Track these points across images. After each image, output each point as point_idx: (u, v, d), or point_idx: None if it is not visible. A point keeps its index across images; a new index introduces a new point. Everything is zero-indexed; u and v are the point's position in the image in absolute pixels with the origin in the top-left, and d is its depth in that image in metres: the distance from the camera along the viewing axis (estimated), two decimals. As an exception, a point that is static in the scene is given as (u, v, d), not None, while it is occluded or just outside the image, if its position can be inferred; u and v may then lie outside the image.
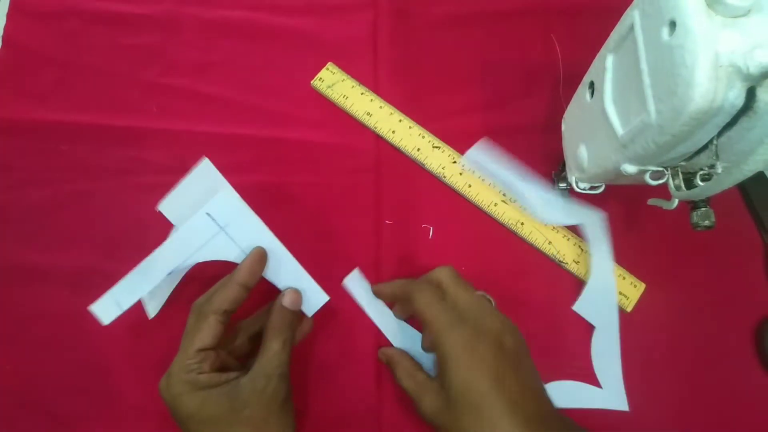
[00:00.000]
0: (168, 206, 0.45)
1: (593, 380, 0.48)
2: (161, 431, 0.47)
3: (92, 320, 0.49)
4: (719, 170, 0.33)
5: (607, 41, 0.40)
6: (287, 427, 0.40)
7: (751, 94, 0.29)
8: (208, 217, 0.43)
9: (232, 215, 0.44)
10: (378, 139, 0.54)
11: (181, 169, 0.52)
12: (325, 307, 0.46)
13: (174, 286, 0.47)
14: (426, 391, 0.41)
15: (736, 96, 0.28)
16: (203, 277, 0.47)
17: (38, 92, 0.55)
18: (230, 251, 0.44)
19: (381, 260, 0.50)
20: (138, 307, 0.49)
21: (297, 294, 0.44)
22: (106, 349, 0.49)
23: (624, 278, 0.49)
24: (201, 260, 0.44)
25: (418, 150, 0.53)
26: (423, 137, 0.53)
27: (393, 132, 0.53)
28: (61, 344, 0.49)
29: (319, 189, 0.52)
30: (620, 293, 0.49)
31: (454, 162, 0.52)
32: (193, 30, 0.57)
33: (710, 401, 0.48)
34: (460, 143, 0.53)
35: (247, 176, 0.52)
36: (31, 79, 0.55)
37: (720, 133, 0.31)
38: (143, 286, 0.43)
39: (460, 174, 0.52)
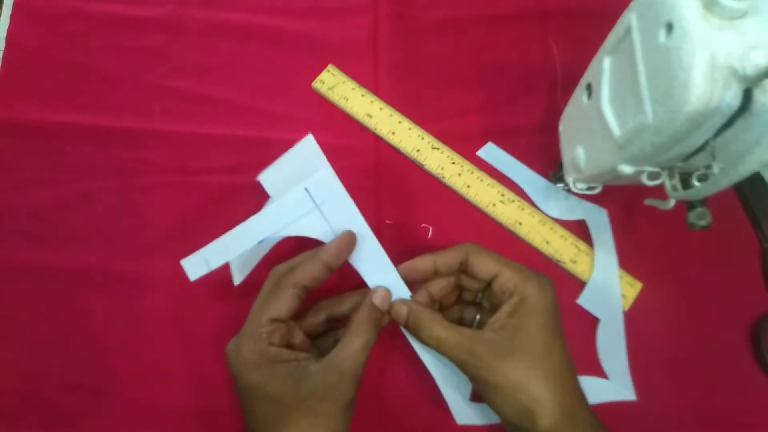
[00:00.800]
0: (267, 178, 0.46)
1: (600, 373, 0.48)
2: (162, 429, 0.47)
3: (94, 319, 0.49)
4: (716, 171, 0.33)
5: (604, 43, 0.40)
6: (344, 429, 0.39)
7: (747, 96, 0.29)
8: (306, 193, 0.43)
9: (329, 195, 0.43)
10: (378, 140, 0.54)
11: (184, 170, 0.53)
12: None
13: (262, 255, 0.46)
14: (477, 338, 0.39)
15: (732, 97, 0.28)
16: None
17: (42, 94, 0.55)
18: (322, 230, 0.43)
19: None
20: (138, 306, 0.50)
21: (389, 294, 0.43)
22: (107, 348, 0.49)
23: (621, 277, 0.50)
24: (292, 234, 0.43)
25: (418, 151, 0.53)
26: (422, 138, 0.53)
27: (393, 133, 0.54)
28: (63, 343, 0.49)
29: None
30: (618, 293, 0.49)
31: (453, 163, 0.53)
32: (195, 32, 0.57)
33: (706, 400, 0.48)
34: (459, 144, 0.53)
35: (248, 177, 0.52)
36: (34, 80, 0.55)
37: (716, 134, 0.32)
38: (234, 249, 0.43)
39: (459, 175, 0.52)
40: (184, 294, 0.50)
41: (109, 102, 0.55)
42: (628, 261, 0.50)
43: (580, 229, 0.51)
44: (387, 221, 0.51)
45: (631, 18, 0.35)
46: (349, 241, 0.42)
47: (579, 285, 0.50)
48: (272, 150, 0.53)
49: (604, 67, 0.39)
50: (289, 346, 0.40)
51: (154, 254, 0.51)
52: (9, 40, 0.56)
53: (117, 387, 0.48)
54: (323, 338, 0.44)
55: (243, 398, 0.39)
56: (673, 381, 0.48)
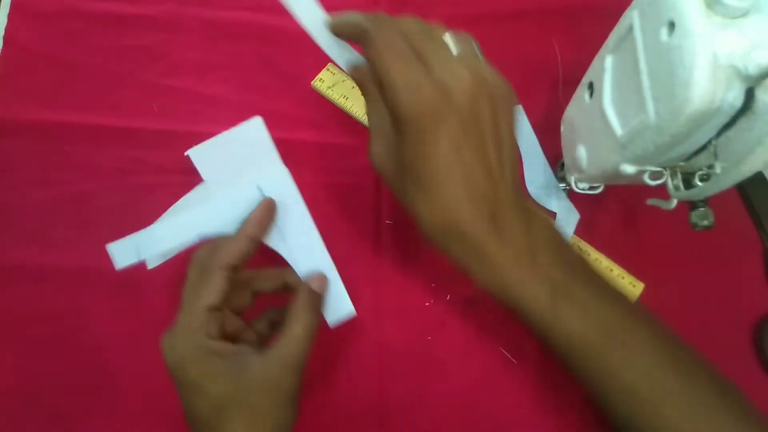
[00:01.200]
0: (199, 154, 0.42)
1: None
2: (161, 429, 0.47)
3: (94, 320, 0.49)
4: (718, 170, 0.33)
5: (606, 42, 0.40)
6: (289, 422, 0.38)
7: (749, 95, 0.29)
8: (258, 191, 0.42)
9: (281, 195, 0.42)
10: (378, 139, 0.54)
11: (183, 169, 0.52)
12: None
13: (188, 246, 0.45)
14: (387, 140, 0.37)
15: (734, 97, 0.28)
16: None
17: (40, 93, 0.55)
18: (272, 234, 0.42)
19: (381, 260, 0.50)
20: (137, 306, 0.50)
21: (326, 280, 0.42)
22: (107, 348, 0.49)
23: (623, 278, 0.50)
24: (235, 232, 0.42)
25: (418, 150, 0.53)
26: (423, 138, 0.53)
27: (393, 132, 0.53)
28: (62, 344, 0.49)
29: (319, 189, 0.52)
30: (619, 293, 0.49)
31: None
32: (194, 31, 0.57)
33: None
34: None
35: (247, 176, 0.52)
36: (32, 79, 0.55)
37: (719, 134, 0.31)
38: (170, 241, 0.42)
39: (460, 174, 0.52)
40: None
41: (107, 101, 0.55)
42: (630, 261, 0.50)
43: (581, 230, 0.51)
44: (387, 221, 0.51)
45: (633, 16, 0.35)
46: (269, 209, 0.41)
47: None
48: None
49: (605, 65, 0.39)
50: (226, 334, 0.39)
51: (153, 254, 0.51)
52: (6, 39, 0.56)
53: (116, 387, 0.48)
54: (258, 319, 0.43)
55: (182, 395, 0.38)
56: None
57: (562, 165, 0.50)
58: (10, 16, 0.57)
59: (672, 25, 0.30)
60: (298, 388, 0.38)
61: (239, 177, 0.42)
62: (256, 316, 0.44)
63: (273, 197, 0.42)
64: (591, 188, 0.45)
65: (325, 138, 0.54)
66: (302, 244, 0.43)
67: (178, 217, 0.42)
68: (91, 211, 0.52)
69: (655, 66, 0.32)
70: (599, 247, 0.50)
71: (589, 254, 0.50)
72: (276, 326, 0.43)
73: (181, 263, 0.49)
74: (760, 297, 0.50)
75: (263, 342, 0.43)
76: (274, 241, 0.43)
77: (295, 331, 0.38)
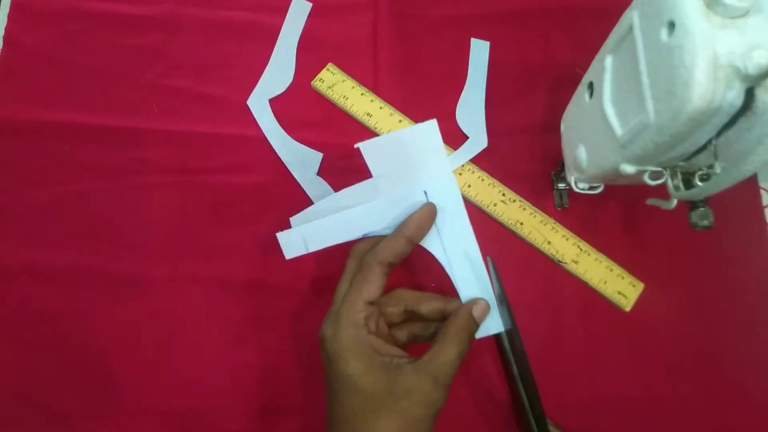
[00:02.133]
0: (369, 148, 0.42)
1: (589, 369, 0.48)
2: (161, 429, 0.47)
3: (93, 320, 0.49)
4: (718, 170, 0.33)
5: (606, 42, 0.40)
6: None
7: (749, 95, 0.29)
8: (423, 195, 0.42)
9: (446, 203, 0.42)
10: (378, 139, 0.54)
11: (183, 169, 0.52)
12: (329, 302, 0.46)
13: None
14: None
15: (734, 96, 0.28)
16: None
17: (39, 93, 0.55)
18: (429, 235, 0.42)
19: (381, 260, 0.50)
20: (136, 306, 0.50)
21: (488, 309, 0.42)
22: (106, 348, 0.49)
23: (623, 278, 0.49)
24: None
25: (418, 150, 0.53)
26: (423, 137, 0.53)
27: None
28: (62, 344, 0.49)
29: (319, 189, 0.52)
30: (619, 293, 0.49)
31: (454, 162, 0.53)
32: (193, 31, 0.57)
33: (710, 401, 0.48)
34: (459, 143, 0.53)
35: (247, 176, 0.52)
36: (32, 79, 0.55)
37: (719, 134, 0.31)
38: (336, 236, 0.43)
39: (460, 174, 0.52)
40: (183, 294, 0.50)
41: (107, 101, 0.55)
42: (630, 261, 0.50)
43: (581, 229, 0.51)
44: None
45: (632, 16, 0.35)
46: (430, 213, 0.42)
47: (579, 286, 0.50)
48: (271, 149, 0.53)
49: (605, 65, 0.39)
50: (378, 334, 0.40)
51: (153, 254, 0.51)
52: (7, 39, 0.56)
53: (115, 388, 0.48)
54: (398, 328, 0.43)
55: (334, 385, 0.38)
56: (676, 380, 0.48)
57: (562, 165, 0.50)
58: (10, 16, 0.57)
59: (672, 25, 0.30)
60: (441, 408, 0.38)
61: (407, 178, 0.42)
62: None
63: (437, 202, 0.42)
64: (591, 188, 0.45)
65: (325, 138, 0.54)
66: (460, 253, 0.43)
67: (343, 213, 0.42)
68: (91, 211, 0.52)
69: (655, 66, 0.32)
70: (599, 247, 0.50)
71: (589, 254, 0.50)
72: (416, 339, 0.43)
73: (180, 263, 0.49)
74: (761, 297, 0.50)
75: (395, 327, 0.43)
76: (434, 246, 0.43)
77: (451, 353, 0.38)
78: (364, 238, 0.43)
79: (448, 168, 0.42)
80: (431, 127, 0.41)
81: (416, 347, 0.42)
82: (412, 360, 0.38)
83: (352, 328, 0.38)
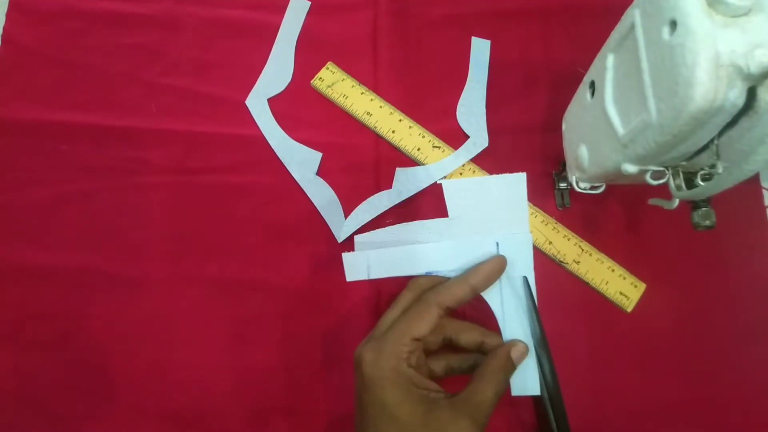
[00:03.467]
0: (453, 187, 0.42)
1: (590, 370, 0.48)
2: (161, 430, 0.47)
3: (92, 320, 0.49)
4: (720, 170, 0.33)
5: (607, 41, 0.39)
6: None
7: (751, 94, 0.28)
8: (495, 246, 0.42)
9: (515, 259, 0.42)
10: (378, 138, 0.54)
11: (181, 169, 0.52)
12: (330, 302, 0.46)
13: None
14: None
15: (736, 95, 0.28)
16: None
17: (38, 92, 0.55)
18: (491, 288, 0.42)
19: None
20: (136, 307, 0.49)
21: (526, 352, 0.42)
22: (105, 349, 0.49)
23: (624, 278, 0.49)
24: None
25: (419, 150, 0.53)
26: (423, 137, 0.53)
27: (393, 132, 0.53)
28: (61, 344, 0.49)
29: (319, 189, 0.52)
30: (621, 293, 0.49)
31: (455, 162, 0.52)
32: (192, 29, 0.57)
33: (711, 401, 0.48)
34: (460, 143, 0.53)
35: (247, 176, 0.52)
36: (30, 78, 0.55)
37: (721, 133, 0.31)
38: (400, 269, 0.43)
39: (460, 174, 0.52)
40: (183, 295, 0.50)
41: (105, 100, 0.54)
42: (631, 261, 0.50)
43: (582, 230, 0.51)
44: (387, 221, 0.51)
45: (634, 15, 0.35)
46: (500, 266, 0.42)
47: (581, 286, 0.50)
48: (271, 148, 0.53)
49: (607, 64, 0.39)
50: (416, 366, 0.40)
51: (153, 254, 0.51)
52: (5, 38, 0.56)
53: (115, 389, 0.48)
54: (435, 358, 0.43)
55: (367, 411, 0.38)
56: (678, 381, 0.48)
57: (564, 164, 0.50)
58: (9, 15, 0.57)
59: (674, 24, 0.30)
60: None
61: (483, 225, 0.42)
62: None
63: (507, 256, 0.42)
64: (592, 188, 0.45)
65: (325, 137, 0.54)
66: (516, 312, 0.43)
67: (413, 246, 0.42)
68: (89, 210, 0.52)
69: (657, 65, 0.32)
70: (601, 248, 0.50)
71: (590, 254, 0.50)
72: (452, 372, 0.43)
73: (179, 263, 0.49)
74: (763, 297, 0.49)
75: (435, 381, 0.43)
76: (493, 298, 0.43)
77: (489, 393, 0.38)
78: (425, 275, 0.43)
79: (526, 224, 0.43)
80: (519, 180, 0.41)
81: (452, 381, 0.42)
82: (449, 396, 0.38)
83: (394, 358, 0.38)
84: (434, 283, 0.42)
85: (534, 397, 0.44)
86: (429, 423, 0.36)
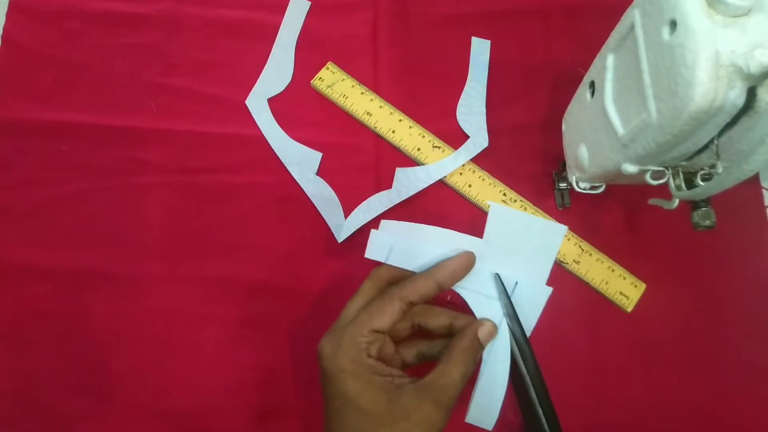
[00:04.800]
0: (499, 212, 0.42)
1: (590, 370, 0.48)
2: (161, 429, 0.47)
3: (92, 320, 0.49)
4: (720, 170, 0.33)
5: (607, 41, 0.39)
6: None
7: (751, 94, 0.28)
8: (513, 284, 0.43)
9: (524, 304, 0.42)
10: (378, 138, 0.54)
11: (181, 168, 0.52)
12: (330, 302, 0.46)
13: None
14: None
15: (736, 96, 0.28)
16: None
17: (38, 92, 0.55)
18: (491, 309, 0.42)
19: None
20: (136, 306, 0.49)
21: (494, 331, 0.41)
22: (105, 349, 0.49)
23: (624, 278, 0.49)
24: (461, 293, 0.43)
25: (419, 150, 0.53)
26: (423, 137, 0.53)
27: (393, 132, 0.53)
28: (61, 344, 0.49)
29: (319, 189, 0.52)
30: (620, 293, 0.49)
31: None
32: (193, 29, 0.57)
33: (711, 402, 0.48)
34: (460, 143, 0.53)
35: (247, 176, 0.52)
36: (30, 78, 0.55)
37: (721, 133, 0.31)
38: (415, 264, 0.42)
39: (461, 174, 0.52)
40: (182, 294, 0.50)
41: (105, 100, 0.54)
42: (631, 261, 0.50)
43: (582, 230, 0.51)
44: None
45: (634, 15, 0.35)
46: (467, 263, 0.41)
47: (581, 286, 0.50)
48: (271, 148, 0.53)
49: (607, 64, 0.39)
50: (379, 356, 0.39)
51: (152, 254, 0.51)
52: (5, 38, 0.56)
53: (115, 388, 0.48)
54: (406, 346, 0.43)
55: (332, 403, 0.38)
56: (678, 381, 0.48)
57: (564, 164, 0.50)
58: (9, 15, 0.57)
59: (673, 24, 0.30)
60: (443, 428, 0.37)
61: (509, 259, 0.42)
62: None
63: (522, 296, 0.42)
64: (592, 188, 0.45)
65: (324, 137, 0.54)
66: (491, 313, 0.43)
67: (437, 249, 0.42)
68: (89, 210, 0.52)
69: (657, 65, 0.32)
70: (601, 248, 0.50)
71: (590, 254, 0.50)
72: (424, 358, 0.43)
73: (178, 263, 0.49)
74: (763, 297, 0.49)
75: (406, 369, 0.42)
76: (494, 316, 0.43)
77: (454, 374, 0.38)
78: (385, 264, 0.42)
79: (547, 274, 0.42)
80: (559, 231, 0.41)
81: (423, 368, 0.41)
82: (414, 380, 0.38)
83: (353, 350, 0.38)
84: (394, 274, 0.42)
85: (519, 399, 0.43)
86: (392, 410, 0.36)
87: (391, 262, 0.42)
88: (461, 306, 0.43)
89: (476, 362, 0.40)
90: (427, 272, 0.41)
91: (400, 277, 0.41)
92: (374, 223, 0.51)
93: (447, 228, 0.42)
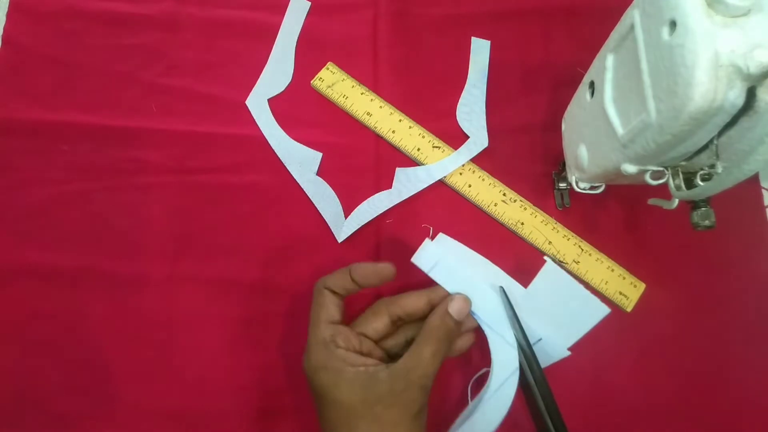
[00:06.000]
0: (552, 271, 0.43)
1: (590, 369, 0.48)
2: (161, 429, 0.47)
3: (92, 320, 0.49)
4: (719, 170, 0.33)
5: (607, 41, 0.39)
6: None
7: (751, 94, 0.28)
8: (538, 340, 0.43)
9: (544, 355, 0.43)
10: (378, 138, 0.54)
11: (181, 168, 0.52)
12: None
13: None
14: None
15: (736, 96, 0.28)
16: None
17: (38, 92, 0.54)
18: (508, 356, 0.42)
19: (381, 260, 0.50)
20: (136, 307, 0.49)
21: (467, 303, 0.41)
22: (105, 349, 0.49)
23: (624, 278, 0.49)
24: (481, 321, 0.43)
25: (419, 150, 0.53)
26: (423, 137, 0.53)
27: (393, 132, 0.53)
28: (61, 344, 0.49)
29: (319, 189, 0.52)
30: (620, 293, 0.49)
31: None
32: (193, 30, 0.57)
33: (711, 401, 0.48)
34: (460, 143, 0.53)
35: (247, 176, 0.52)
36: (30, 79, 0.55)
37: (720, 133, 0.31)
38: (451, 286, 0.42)
39: (460, 174, 0.52)
40: (182, 294, 0.50)
41: (105, 100, 0.54)
42: (631, 261, 0.50)
43: (582, 229, 0.51)
44: (387, 221, 0.51)
45: (634, 15, 0.35)
46: (385, 274, 0.41)
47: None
48: (271, 149, 0.53)
49: (607, 64, 0.39)
50: (357, 349, 0.40)
51: (152, 254, 0.51)
52: (5, 39, 0.56)
53: (115, 388, 0.48)
54: (393, 337, 0.43)
55: (316, 402, 0.39)
56: (678, 381, 0.48)
57: (563, 164, 0.50)
58: (9, 16, 0.57)
59: (673, 24, 0.30)
60: (421, 406, 0.38)
61: (544, 316, 0.43)
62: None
63: (542, 355, 0.43)
64: (592, 188, 0.45)
65: (324, 137, 0.54)
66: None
67: (477, 281, 0.42)
68: (89, 210, 0.52)
69: (657, 65, 0.32)
70: (600, 247, 0.50)
71: (590, 254, 0.50)
72: (398, 323, 0.43)
73: (178, 263, 0.49)
74: (763, 297, 0.49)
75: (388, 339, 0.43)
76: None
77: (425, 352, 0.38)
78: (329, 276, 0.43)
79: (572, 342, 0.43)
80: (602, 311, 0.42)
81: None
82: (390, 365, 0.38)
83: (320, 346, 0.39)
84: (336, 283, 0.42)
85: (527, 400, 0.44)
86: (367, 397, 0.37)
87: (432, 275, 0.43)
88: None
89: (450, 339, 0.40)
90: (345, 268, 0.42)
91: (341, 286, 0.42)
92: (374, 223, 0.51)
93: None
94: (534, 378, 0.42)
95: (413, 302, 0.41)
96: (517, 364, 0.42)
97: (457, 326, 0.41)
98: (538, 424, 0.42)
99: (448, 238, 0.44)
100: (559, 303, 0.43)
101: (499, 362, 0.42)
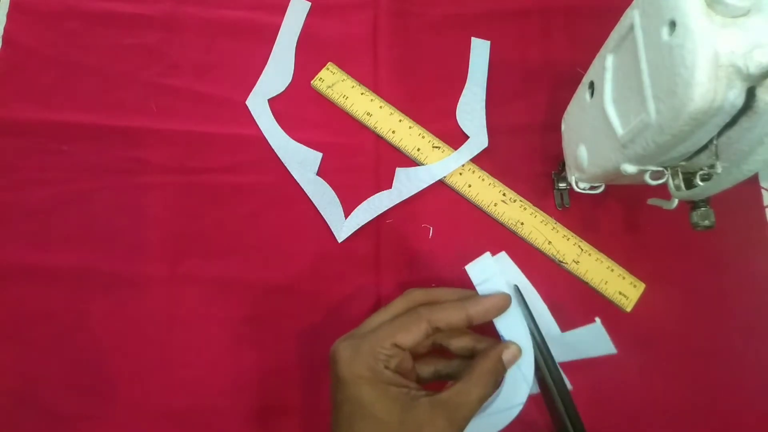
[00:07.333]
0: (598, 332, 0.43)
1: (589, 370, 0.48)
2: (161, 429, 0.47)
3: (92, 320, 0.49)
4: (719, 170, 0.33)
5: (607, 41, 0.40)
6: None
7: (750, 94, 0.28)
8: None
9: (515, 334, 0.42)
10: (378, 139, 0.54)
11: (182, 169, 0.52)
12: (330, 302, 0.47)
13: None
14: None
15: (736, 96, 0.28)
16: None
17: (38, 92, 0.55)
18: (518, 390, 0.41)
19: (381, 259, 0.50)
20: (136, 306, 0.49)
21: (519, 354, 0.41)
22: (105, 348, 0.49)
23: (624, 278, 0.49)
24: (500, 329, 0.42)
25: (419, 150, 0.53)
26: (423, 137, 0.53)
27: (393, 132, 0.53)
28: (61, 344, 0.49)
29: (319, 189, 0.52)
30: (620, 293, 0.49)
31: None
32: (193, 30, 0.57)
33: (711, 401, 0.47)
34: (460, 143, 0.53)
35: (247, 176, 0.52)
36: (31, 79, 0.55)
37: (720, 133, 0.31)
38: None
39: (460, 174, 0.52)
40: (182, 294, 0.50)
41: (106, 100, 0.54)
42: (631, 261, 0.50)
43: (582, 229, 0.51)
44: (387, 221, 0.51)
45: (633, 15, 0.35)
46: (503, 305, 0.41)
47: (580, 286, 0.50)
48: (271, 149, 0.53)
49: (606, 65, 0.39)
50: (398, 370, 0.39)
51: (153, 254, 0.51)
52: (6, 39, 0.56)
53: (115, 388, 0.48)
54: (423, 362, 0.42)
55: (342, 408, 0.37)
56: (677, 380, 0.48)
57: (563, 164, 0.50)
58: (10, 16, 0.57)
59: (673, 25, 0.30)
60: None
61: (564, 345, 0.44)
62: None
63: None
64: (592, 188, 0.45)
65: (325, 138, 0.54)
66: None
67: (515, 304, 0.42)
68: (90, 210, 0.52)
69: (656, 65, 0.32)
70: (600, 247, 0.50)
71: (590, 254, 0.50)
72: (439, 377, 0.42)
73: (179, 263, 0.49)
74: (762, 297, 0.49)
75: (421, 385, 0.42)
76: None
77: (472, 395, 0.37)
78: (421, 288, 0.42)
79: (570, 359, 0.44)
80: (608, 348, 0.43)
81: (437, 386, 0.41)
82: (429, 394, 0.37)
83: (371, 358, 0.37)
84: (428, 297, 0.41)
85: (546, 400, 0.44)
86: (405, 420, 0.36)
87: (479, 289, 0.42)
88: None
89: (497, 386, 0.40)
90: (460, 303, 0.40)
91: (447, 322, 0.40)
92: (374, 223, 0.51)
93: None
94: (552, 378, 0.42)
95: (455, 316, 0.39)
96: (524, 400, 0.41)
97: (505, 372, 0.40)
98: (557, 424, 0.43)
99: (509, 258, 0.44)
100: (582, 352, 0.44)
101: (507, 392, 0.41)
